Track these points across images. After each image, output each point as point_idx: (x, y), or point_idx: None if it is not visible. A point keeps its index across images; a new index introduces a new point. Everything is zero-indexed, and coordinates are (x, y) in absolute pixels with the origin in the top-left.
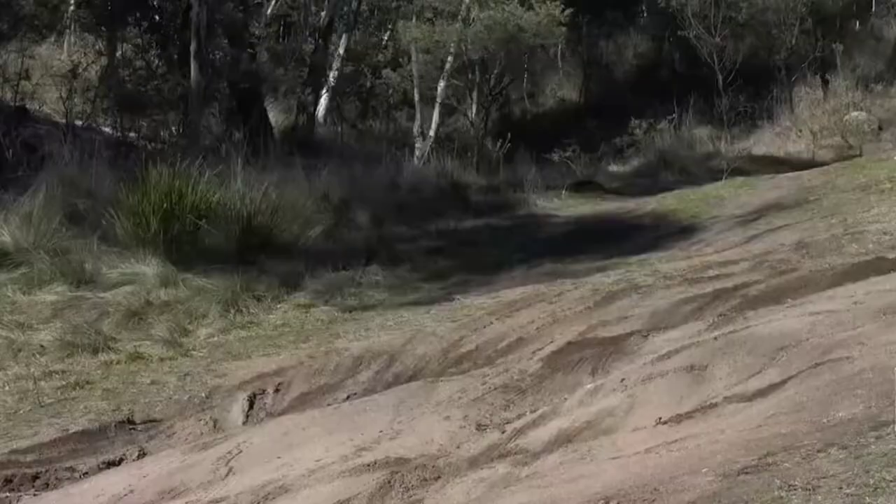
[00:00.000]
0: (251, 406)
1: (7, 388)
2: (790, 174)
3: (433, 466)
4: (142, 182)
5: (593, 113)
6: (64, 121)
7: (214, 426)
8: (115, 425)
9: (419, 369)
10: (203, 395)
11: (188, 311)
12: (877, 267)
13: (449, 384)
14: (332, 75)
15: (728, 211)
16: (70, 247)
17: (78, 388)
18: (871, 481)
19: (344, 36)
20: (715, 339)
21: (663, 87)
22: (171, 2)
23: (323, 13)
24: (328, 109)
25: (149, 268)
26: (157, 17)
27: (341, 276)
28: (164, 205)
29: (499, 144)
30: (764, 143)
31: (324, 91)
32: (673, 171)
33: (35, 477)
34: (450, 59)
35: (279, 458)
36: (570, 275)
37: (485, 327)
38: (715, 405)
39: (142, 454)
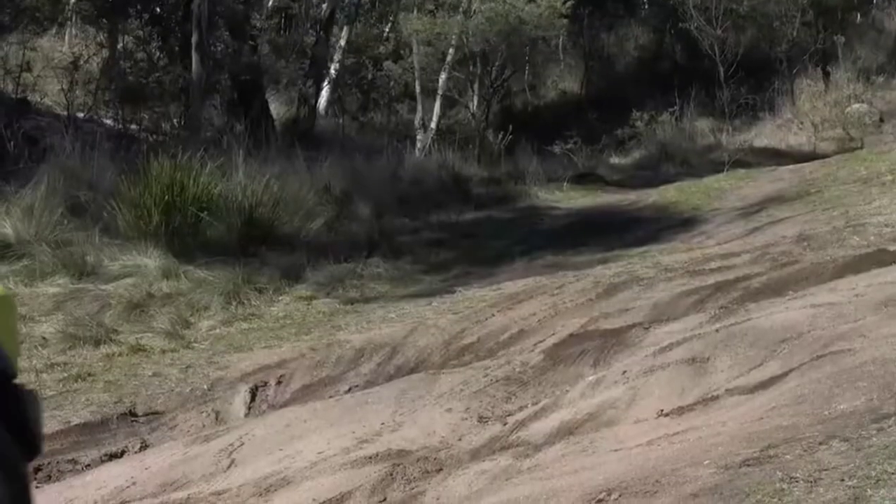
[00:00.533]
0: (253, 398)
1: None
2: (791, 166)
3: (435, 458)
4: (143, 174)
5: (595, 105)
6: (65, 113)
7: (216, 418)
8: (117, 417)
9: (421, 361)
10: (205, 387)
11: (190, 304)
12: (878, 259)
13: (451, 376)
14: (333, 67)
15: (729, 203)
16: (72, 239)
17: (80, 380)
18: (873, 473)
19: (345, 28)
20: (716, 331)
21: (664, 79)
22: None
23: (324, 5)
24: (329, 101)
25: (150, 260)
26: (158, 9)
27: (343, 268)
28: (166, 197)
29: (500, 136)
30: (765, 135)
31: (325, 83)
32: (674, 163)
33: (37, 469)
34: (451, 51)
35: (281, 450)
36: (572, 267)
37: (486, 319)
38: (716, 397)
39: (144, 446)
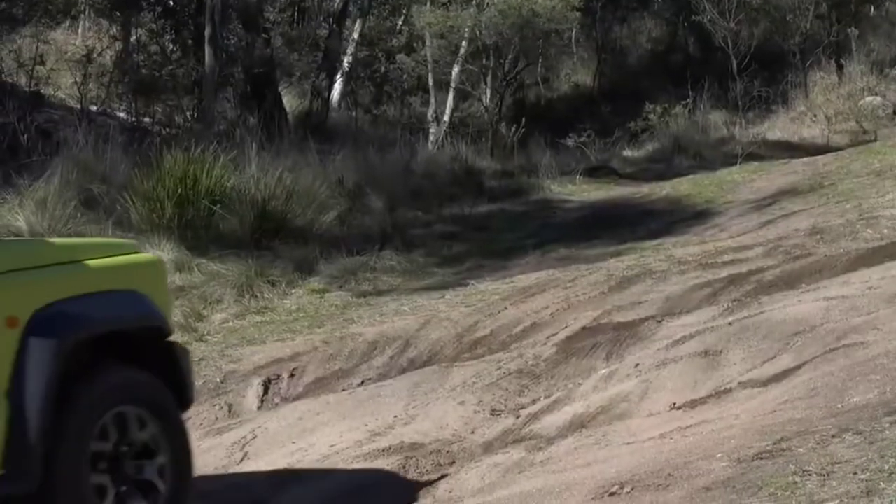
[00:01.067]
0: (266, 391)
1: None
2: (805, 159)
3: (447, 451)
4: (156, 167)
5: (607, 98)
6: (79, 106)
7: (229, 411)
8: None
9: (434, 354)
10: (218, 380)
11: (203, 296)
12: (891, 252)
13: (463, 369)
14: (346, 60)
15: (742, 196)
16: (85, 232)
17: None
18: (886, 467)
19: (358, 21)
20: (729, 324)
21: (678, 72)
22: None
23: None
24: (342, 94)
25: (163, 253)
26: (171, 2)
27: (355, 261)
28: (179, 190)
29: (513, 129)
30: (778, 128)
31: (338, 76)
32: (687, 156)
33: None
34: (464, 43)
35: (294, 443)
36: (584, 260)
37: (499, 312)
38: (729, 390)
39: None
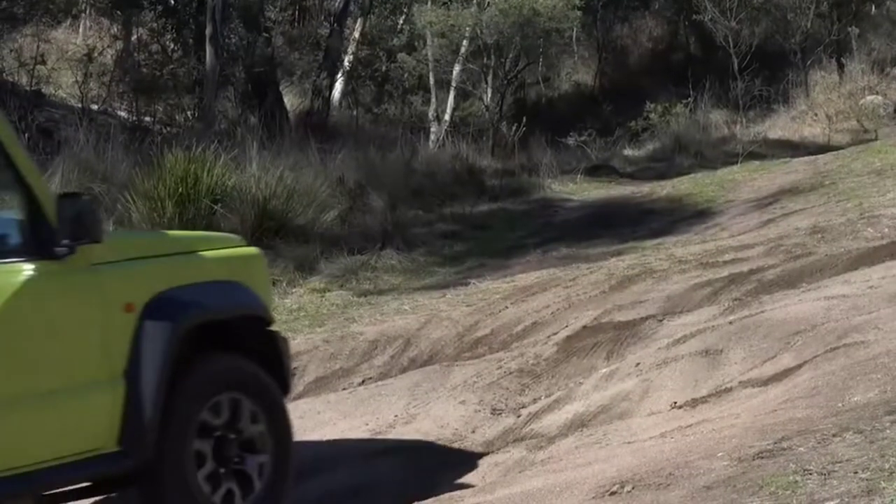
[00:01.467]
0: None
1: None
2: (805, 158)
3: (448, 450)
4: (157, 166)
5: (608, 97)
6: (79, 105)
7: None
8: None
9: (434, 353)
10: None
11: None
12: (892, 251)
13: (464, 368)
14: (347, 59)
15: (743, 195)
16: None
17: None
18: (887, 466)
19: (359, 20)
20: (730, 323)
21: (679, 71)
22: None
23: None
24: (343, 93)
25: None
26: (172, 1)
27: (356, 259)
28: (180, 189)
29: (514, 128)
30: (779, 127)
31: (339, 75)
32: (688, 155)
33: None
34: (465, 43)
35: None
36: (585, 259)
37: (500, 311)
38: (730, 389)
39: None
